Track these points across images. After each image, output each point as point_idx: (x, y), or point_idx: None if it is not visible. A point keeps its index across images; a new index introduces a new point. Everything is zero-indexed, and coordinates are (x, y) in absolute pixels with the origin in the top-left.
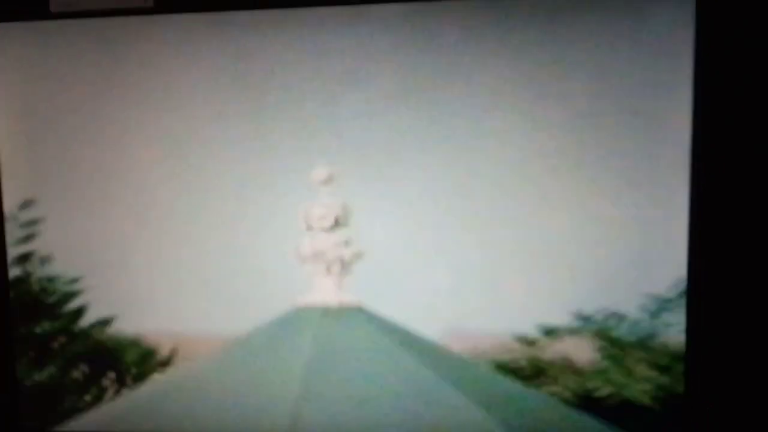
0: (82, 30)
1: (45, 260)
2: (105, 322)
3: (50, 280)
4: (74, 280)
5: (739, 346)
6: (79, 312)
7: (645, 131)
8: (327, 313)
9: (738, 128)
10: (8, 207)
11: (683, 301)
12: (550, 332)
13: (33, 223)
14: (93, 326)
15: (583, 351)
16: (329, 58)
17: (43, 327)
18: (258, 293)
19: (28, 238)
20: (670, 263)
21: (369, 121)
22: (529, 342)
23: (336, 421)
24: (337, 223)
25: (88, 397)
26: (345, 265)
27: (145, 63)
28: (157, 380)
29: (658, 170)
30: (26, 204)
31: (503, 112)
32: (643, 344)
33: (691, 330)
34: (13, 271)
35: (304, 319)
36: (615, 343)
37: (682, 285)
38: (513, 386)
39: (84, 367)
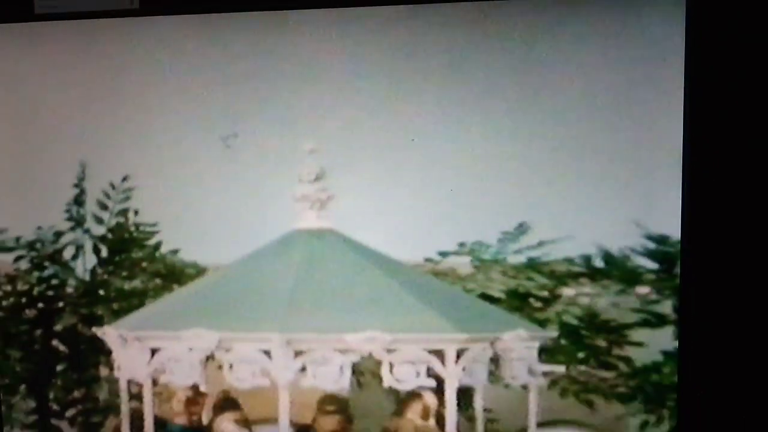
0: (66, 32)
1: (136, 213)
2: (174, 252)
3: (138, 225)
4: (153, 225)
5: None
6: (157, 245)
7: (635, 121)
8: (311, 233)
9: (730, 122)
10: (113, 180)
11: (522, 236)
12: (444, 254)
13: (128, 190)
14: (166, 254)
15: (463, 266)
16: (314, 59)
17: (135, 254)
18: (267, 222)
19: (125, 199)
20: (513, 212)
21: (347, 114)
22: (432, 261)
23: (318, 300)
24: (317, 178)
25: (161, 298)
26: (322, 204)
27: (130, 65)
28: (199, 279)
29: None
30: (125, 179)
31: (486, 99)
32: (497, 261)
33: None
34: (117, 219)
35: (297, 237)
36: (481, 260)
37: (522, 226)
38: (432, 281)
39: (159, 280)
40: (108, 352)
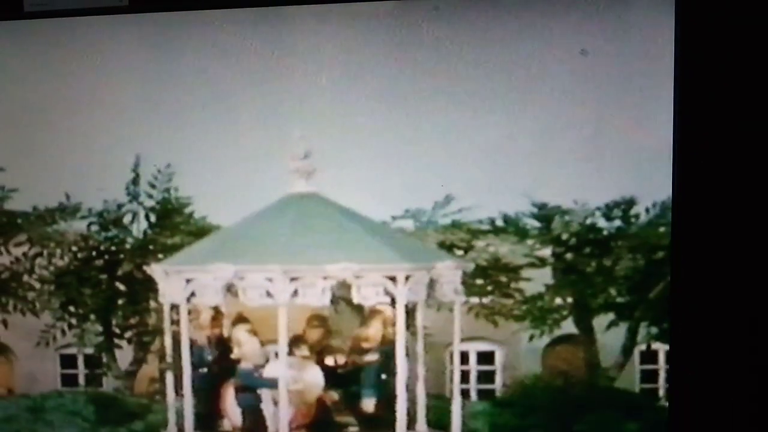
0: (56, 29)
1: (176, 190)
2: (203, 217)
3: (178, 198)
4: (188, 198)
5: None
6: (191, 213)
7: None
8: (301, 196)
9: (719, 110)
10: (159, 167)
11: (448, 204)
12: (395, 218)
13: (171, 174)
14: (197, 219)
15: (408, 226)
16: (301, 53)
17: (175, 220)
18: (268, 189)
19: (168, 180)
20: (442, 187)
21: (328, 109)
22: (386, 223)
23: (307, 242)
24: (305, 157)
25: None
26: (309, 175)
27: (120, 62)
28: (221, 229)
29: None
30: (167, 166)
31: (472, 84)
32: (431, 222)
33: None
34: (162, 195)
35: (291, 199)
36: (420, 222)
37: (448, 197)
38: (387, 229)
39: (192, 238)
40: (155, 290)
